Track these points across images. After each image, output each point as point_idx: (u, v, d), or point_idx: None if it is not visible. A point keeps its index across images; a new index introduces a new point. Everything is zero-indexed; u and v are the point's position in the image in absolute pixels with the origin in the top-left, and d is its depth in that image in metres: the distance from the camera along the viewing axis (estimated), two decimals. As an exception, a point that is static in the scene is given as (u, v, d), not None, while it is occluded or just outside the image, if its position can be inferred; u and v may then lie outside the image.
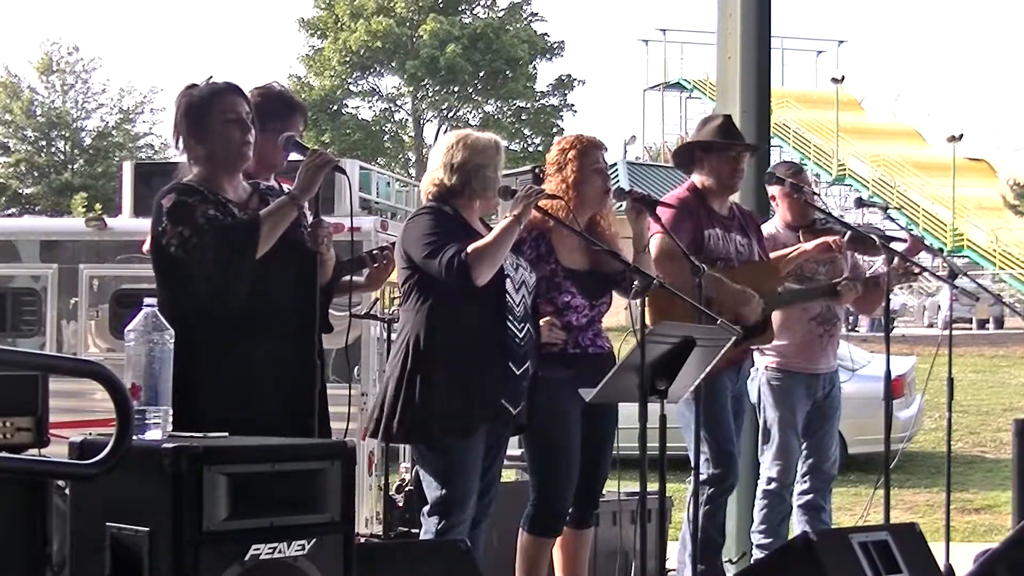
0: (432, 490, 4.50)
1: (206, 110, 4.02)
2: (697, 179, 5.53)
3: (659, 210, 4.98)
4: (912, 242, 6.09)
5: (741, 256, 5.48)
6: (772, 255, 5.72)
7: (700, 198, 5.47)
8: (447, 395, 4.39)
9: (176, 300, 3.95)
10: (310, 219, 4.11)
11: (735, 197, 5.74)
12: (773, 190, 6.01)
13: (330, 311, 4.27)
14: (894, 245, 5.68)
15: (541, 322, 4.76)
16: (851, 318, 21.26)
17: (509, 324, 4.50)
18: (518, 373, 4.51)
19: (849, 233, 5.72)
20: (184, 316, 3.84)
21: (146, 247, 4.76)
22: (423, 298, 4.48)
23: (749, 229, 5.61)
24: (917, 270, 5.88)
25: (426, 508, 4.54)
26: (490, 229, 4.54)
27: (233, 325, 3.94)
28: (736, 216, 5.60)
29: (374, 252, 4.65)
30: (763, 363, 5.89)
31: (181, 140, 4.07)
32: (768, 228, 5.97)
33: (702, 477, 5.21)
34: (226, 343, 3.94)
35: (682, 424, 5.25)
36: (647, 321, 5.09)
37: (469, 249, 4.35)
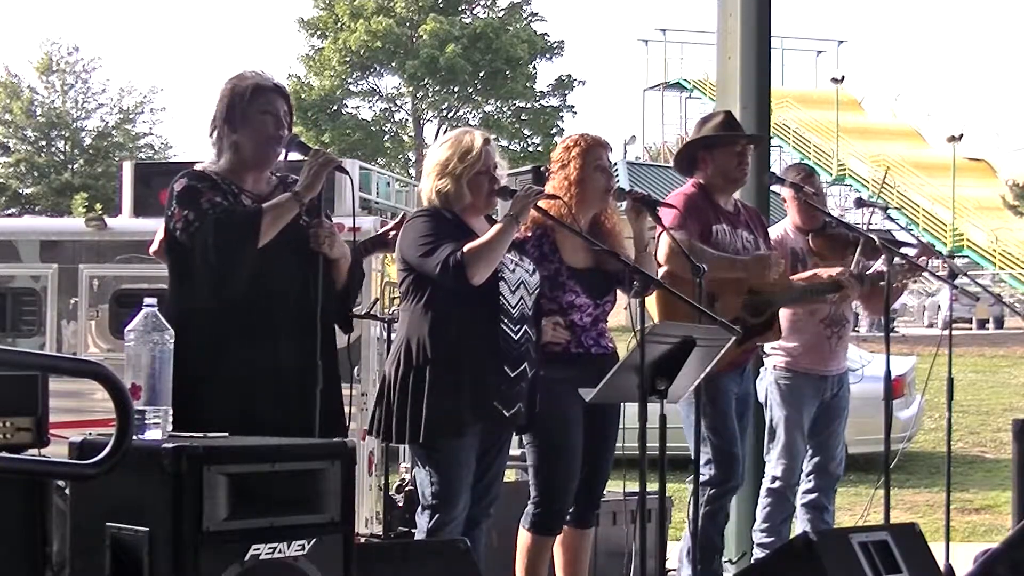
0: (424, 488, 4.52)
1: (246, 102, 4.07)
2: (701, 178, 5.51)
3: (665, 208, 4.99)
4: (922, 248, 6.07)
5: (747, 252, 5.48)
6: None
7: (706, 194, 5.47)
8: (438, 395, 4.39)
9: (181, 290, 3.97)
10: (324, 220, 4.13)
11: (736, 193, 5.73)
12: (784, 192, 6.00)
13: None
14: (904, 250, 5.68)
15: (544, 322, 4.75)
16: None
17: (504, 326, 4.50)
18: (513, 375, 4.50)
19: (862, 240, 5.69)
20: (188, 310, 3.86)
21: (152, 248, 4.78)
22: (418, 299, 4.49)
23: (754, 226, 5.61)
24: (921, 266, 5.87)
25: (419, 507, 4.56)
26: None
27: (235, 323, 3.94)
28: (741, 212, 5.59)
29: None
30: (771, 363, 5.89)
31: (216, 130, 4.12)
32: (777, 230, 5.96)
33: (703, 478, 5.22)
34: (228, 342, 3.95)
35: (684, 425, 5.25)
36: (656, 319, 5.12)
37: (465, 249, 4.36)
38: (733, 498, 5.83)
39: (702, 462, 5.25)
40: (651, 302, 5.16)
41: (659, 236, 5.10)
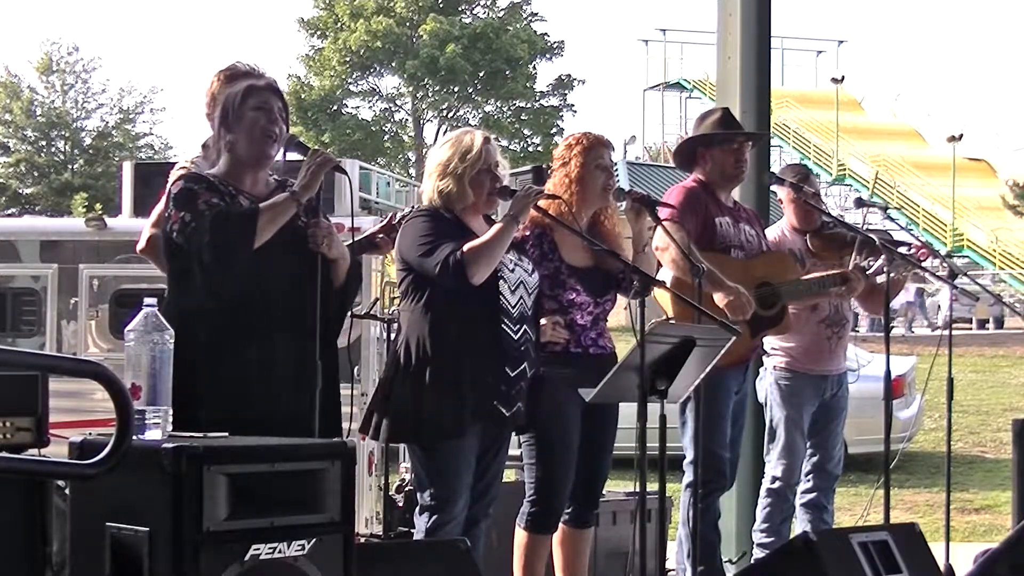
0: (423, 489, 4.52)
1: (239, 102, 4.07)
2: (701, 174, 5.53)
3: (663, 207, 5.00)
4: (919, 248, 6.06)
5: (751, 245, 5.49)
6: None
7: (706, 189, 5.48)
8: (438, 396, 4.40)
9: (179, 291, 3.97)
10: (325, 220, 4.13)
11: (736, 193, 5.75)
12: (781, 193, 6.00)
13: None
14: (901, 250, 5.68)
15: (543, 321, 4.75)
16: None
17: (504, 325, 4.50)
18: (513, 375, 4.50)
19: (858, 239, 5.69)
20: (187, 310, 3.86)
21: (140, 246, 4.77)
22: (418, 299, 4.49)
23: (754, 222, 5.63)
24: (919, 264, 5.86)
25: (418, 507, 4.56)
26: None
27: (234, 323, 3.94)
28: (740, 209, 5.62)
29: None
30: (771, 363, 5.90)
31: (214, 129, 4.15)
32: (774, 232, 5.96)
33: (689, 478, 5.23)
34: (227, 342, 3.94)
35: (678, 423, 5.25)
36: (669, 311, 5.13)
37: (465, 248, 4.36)
38: (733, 498, 5.83)
39: (687, 461, 5.28)
40: (663, 297, 5.16)
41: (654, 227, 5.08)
